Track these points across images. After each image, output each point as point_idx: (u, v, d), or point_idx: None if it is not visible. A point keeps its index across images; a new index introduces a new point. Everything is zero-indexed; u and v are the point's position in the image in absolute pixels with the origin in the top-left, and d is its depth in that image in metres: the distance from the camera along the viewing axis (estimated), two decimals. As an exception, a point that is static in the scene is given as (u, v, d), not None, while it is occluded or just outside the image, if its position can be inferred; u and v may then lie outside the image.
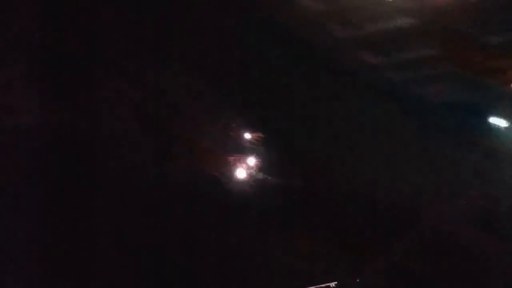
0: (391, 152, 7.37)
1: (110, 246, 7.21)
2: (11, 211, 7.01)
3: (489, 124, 7.42)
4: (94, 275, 7.10)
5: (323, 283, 7.04)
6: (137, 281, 7.10)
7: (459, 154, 7.37)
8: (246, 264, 7.23)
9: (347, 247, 7.12)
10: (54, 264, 7.08)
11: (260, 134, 7.50)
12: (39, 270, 7.00)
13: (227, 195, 7.30)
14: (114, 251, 7.18)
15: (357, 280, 7.01)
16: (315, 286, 6.69)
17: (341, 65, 7.49)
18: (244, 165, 7.46)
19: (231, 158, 7.43)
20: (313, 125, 7.47)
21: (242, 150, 7.44)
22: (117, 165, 7.35)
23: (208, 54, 7.49)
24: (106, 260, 7.14)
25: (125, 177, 7.31)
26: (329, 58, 7.56)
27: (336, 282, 6.79)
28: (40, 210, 7.09)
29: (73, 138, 7.40)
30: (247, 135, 7.43)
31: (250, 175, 7.40)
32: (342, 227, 7.15)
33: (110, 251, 7.18)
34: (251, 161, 7.44)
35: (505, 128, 7.41)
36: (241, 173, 7.41)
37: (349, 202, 7.19)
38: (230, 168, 7.41)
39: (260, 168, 7.44)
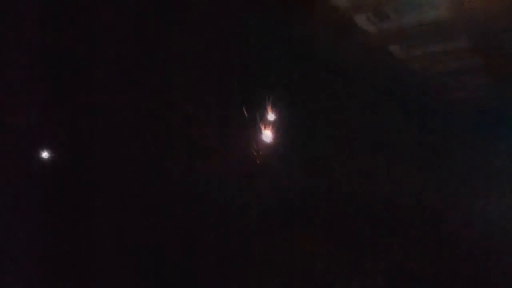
0: (392, 153, 7.38)
1: (110, 246, 7.22)
2: (11, 211, 7.03)
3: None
4: (94, 275, 7.12)
5: (323, 283, 7.05)
6: (137, 281, 7.11)
7: (464, 155, 7.38)
8: (246, 264, 7.24)
9: (347, 247, 7.13)
10: (54, 264, 7.09)
11: (260, 134, 7.52)
12: (39, 270, 7.02)
13: (227, 195, 7.31)
14: (114, 251, 7.19)
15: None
16: None
17: (360, 65, 7.47)
18: (245, 165, 7.48)
19: (231, 158, 7.44)
20: (313, 125, 7.48)
21: (242, 149, 7.45)
22: (117, 165, 7.36)
23: (208, 54, 7.50)
24: (106, 260, 7.16)
25: (125, 177, 7.33)
26: (333, 59, 7.56)
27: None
28: (40, 210, 7.11)
29: (73, 138, 7.41)
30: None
31: (250, 175, 7.40)
32: (342, 227, 7.15)
33: (110, 251, 7.19)
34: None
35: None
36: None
37: (349, 202, 7.19)
38: (230, 168, 7.42)
39: (260, 168, 7.45)
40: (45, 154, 7.15)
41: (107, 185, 7.17)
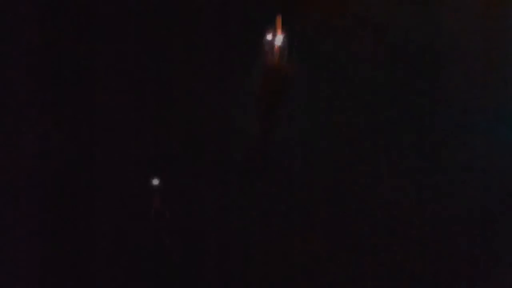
0: (392, 152, 7.37)
1: (110, 246, 7.22)
2: (11, 211, 7.03)
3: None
4: (94, 275, 7.11)
5: (323, 283, 7.04)
6: (137, 281, 7.10)
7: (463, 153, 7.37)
8: (246, 264, 7.23)
9: (347, 247, 7.12)
10: (53, 264, 7.10)
11: (260, 134, 7.51)
12: (38, 270, 7.02)
13: (227, 194, 7.30)
14: (114, 251, 7.19)
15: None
16: None
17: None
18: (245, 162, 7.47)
19: (231, 158, 7.43)
20: (314, 124, 7.46)
21: (242, 149, 7.45)
22: (117, 165, 7.36)
23: (208, 53, 7.50)
24: (106, 260, 7.16)
25: (125, 176, 7.32)
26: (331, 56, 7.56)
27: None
28: (40, 210, 7.11)
29: (73, 138, 7.41)
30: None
31: (250, 175, 7.39)
32: (342, 227, 7.14)
33: (110, 251, 7.19)
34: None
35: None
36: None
37: (349, 202, 7.18)
38: (230, 167, 7.41)
39: (261, 168, 7.43)
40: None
41: (107, 185, 7.18)
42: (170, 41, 7.42)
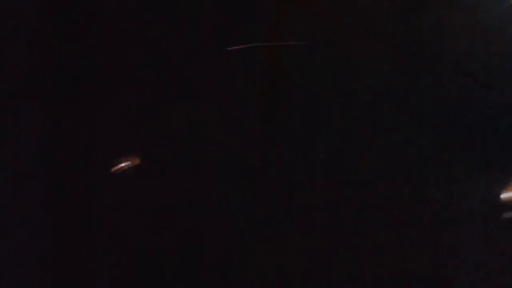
0: (392, 152, 7.38)
1: (110, 246, 7.27)
2: (11, 211, 7.10)
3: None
4: (94, 275, 7.17)
5: (322, 283, 7.07)
6: (137, 281, 7.15)
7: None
8: (246, 264, 7.25)
9: (347, 247, 7.14)
10: (53, 264, 7.15)
11: (260, 134, 7.53)
12: (39, 270, 7.09)
13: (226, 195, 7.32)
14: (114, 251, 7.24)
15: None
16: None
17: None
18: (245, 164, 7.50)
19: (230, 158, 7.46)
20: (314, 124, 7.48)
21: (242, 149, 7.47)
22: (117, 164, 7.40)
23: (208, 53, 7.52)
24: (106, 260, 7.21)
25: (125, 177, 7.37)
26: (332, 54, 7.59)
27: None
28: (39, 210, 7.17)
29: (72, 139, 7.46)
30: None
31: (250, 175, 7.42)
32: (342, 227, 7.16)
33: (110, 251, 7.24)
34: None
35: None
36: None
37: (349, 202, 7.20)
38: (229, 167, 7.44)
39: (261, 168, 7.46)
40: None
41: (106, 186, 7.22)
42: (170, 41, 7.45)
